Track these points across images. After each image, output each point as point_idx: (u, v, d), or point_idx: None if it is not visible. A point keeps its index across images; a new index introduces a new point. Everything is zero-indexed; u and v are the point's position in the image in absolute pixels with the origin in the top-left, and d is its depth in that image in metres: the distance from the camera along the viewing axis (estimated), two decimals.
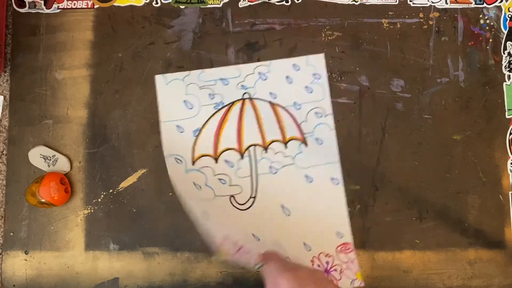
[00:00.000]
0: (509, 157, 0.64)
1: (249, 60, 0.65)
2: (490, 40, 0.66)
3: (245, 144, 0.64)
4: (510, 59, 0.65)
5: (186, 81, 0.64)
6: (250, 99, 0.64)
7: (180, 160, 0.63)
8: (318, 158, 0.64)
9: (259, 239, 0.62)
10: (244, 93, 0.64)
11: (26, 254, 0.62)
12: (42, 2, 0.65)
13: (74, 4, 0.66)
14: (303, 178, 0.64)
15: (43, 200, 0.60)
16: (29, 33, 0.65)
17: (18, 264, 0.62)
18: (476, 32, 0.66)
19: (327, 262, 0.62)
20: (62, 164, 0.63)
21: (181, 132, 0.63)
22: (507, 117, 0.65)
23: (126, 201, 0.63)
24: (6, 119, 0.64)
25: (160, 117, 0.64)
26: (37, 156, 0.63)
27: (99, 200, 0.63)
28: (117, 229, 0.63)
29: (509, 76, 0.65)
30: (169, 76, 0.64)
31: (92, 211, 0.63)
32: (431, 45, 0.66)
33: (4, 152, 0.64)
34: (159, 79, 0.64)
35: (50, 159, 0.63)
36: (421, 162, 0.64)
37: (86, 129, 0.64)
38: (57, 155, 0.63)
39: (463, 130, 0.64)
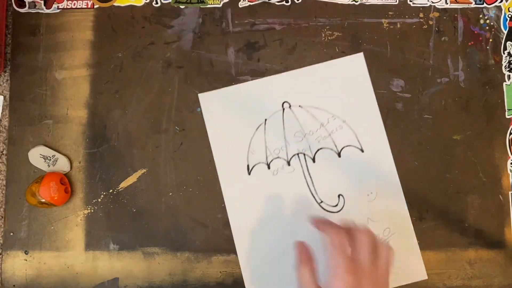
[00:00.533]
0: (509, 157, 0.64)
1: (249, 59, 0.65)
2: (490, 40, 0.66)
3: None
4: (510, 59, 0.65)
5: (229, 97, 0.64)
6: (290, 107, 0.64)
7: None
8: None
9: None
10: (284, 103, 0.64)
11: (26, 254, 0.62)
12: (42, 2, 0.65)
13: (74, 4, 0.66)
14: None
15: (43, 200, 0.60)
16: (29, 33, 0.65)
17: (18, 264, 0.62)
18: (476, 32, 0.66)
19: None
20: (62, 164, 0.63)
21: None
22: (507, 117, 0.65)
23: (126, 201, 0.63)
24: (6, 119, 0.64)
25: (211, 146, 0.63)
26: (37, 156, 0.63)
27: (99, 200, 0.63)
28: (117, 229, 0.63)
29: (509, 76, 0.65)
30: (210, 94, 0.64)
31: (92, 211, 0.63)
32: (431, 45, 0.66)
33: (4, 152, 0.64)
34: (203, 97, 0.64)
35: (50, 159, 0.63)
36: (421, 162, 0.64)
37: (86, 129, 0.64)
38: (57, 155, 0.63)
39: (463, 130, 0.64)
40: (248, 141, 0.63)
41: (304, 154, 0.63)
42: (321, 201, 0.63)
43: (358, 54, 0.65)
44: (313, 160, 0.63)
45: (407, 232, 0.62)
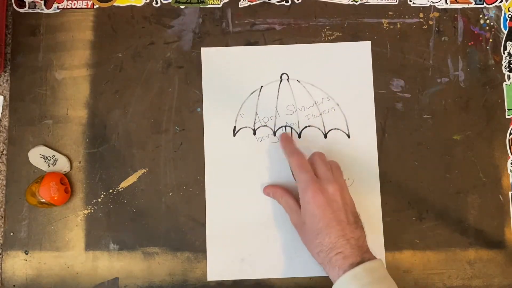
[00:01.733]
0: (509, 157, 0.64)
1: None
2: (490, 40, 0.66)
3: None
4: (510, 59, 0.65)
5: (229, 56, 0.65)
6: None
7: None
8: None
9: None
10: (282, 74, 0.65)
11: (26, 254, 0.62)
12: (42, 2, 0.65)
13: (74, 4, 0.66)
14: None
15: (43, 200, 0.60)
16: (29, 33, 0.65)
17: (18, 264, 0.62)
18: (476, 32, 0.66)
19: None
20: (62, 164, 0.63)
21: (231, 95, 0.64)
22: (507, 117, 0.65)
23: (126, 201, 0.63)
24: (6, 119, 0.64)
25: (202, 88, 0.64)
26: (37, 156, 0.63)
27: (99, 200, 0.63)
28: (117, 229, 0.63)
29: (509, 76, 0.65)
30: (213, 49, 0.65)
31: (92, 211, 0.63)
32: (431, 45, 0.66)
33: (4, 152, 0.64)
34: (206, 52, 0.65)
35: (50, 159, 0.63)
36: (421, 162, 0.64)
37: (86, 129, 0.64)
38: (57, 155, 0.63)
39: (463, 130, 0.64)
40: (240, 103, 0.64)
41: (292, 128, 0.64)
42: None
43: (365, 42, 0.65)
44: (299, 135, 0.64)
45: (375, 228, 0.62)
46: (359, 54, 0.65)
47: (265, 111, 0.64)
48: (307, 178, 0.56)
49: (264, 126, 0.64)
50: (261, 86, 0.64)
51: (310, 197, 0.54)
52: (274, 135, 0.64)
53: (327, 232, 0.53)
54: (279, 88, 0.64)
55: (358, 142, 0.64)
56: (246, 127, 0.64)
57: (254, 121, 0.64)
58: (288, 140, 0.62)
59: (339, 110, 0.64)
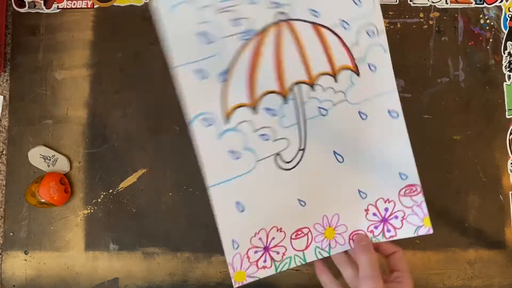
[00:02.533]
0: (509, 157, 0.64)
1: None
2: (490, 40, 0.66)
3: (288, 83, 0.49)
4: (510, 59, 0.65)
5: (199, 3, 0.46)
6: (287, 20, 0.49)
7: (210, 120, 0.48)
8: (373, 88, 0.52)
9: (305, 204, 0.52)
10: (279, 13, 0.49)
11: (26, 254, 0.62)
12: (42, 2, 0.65)
13: (74, 4, 0.66)
14: (357, 116, 0.52)
15: (43, 200, 0.60)
16: (29, 33, 0.65)
17: (18, 264, 0.62)
18: (476, 32, 0.66)
19: (386, 209, 0.54)
20: (62, 164, 0.63)
21: (204, 78, 0.47)
22: (507, 117, 0.65)
23: (126, 201, 0.63)
24: (6, 119, 0.64)
25: (171, 61, 0.47)
26: (37, 156, 0.63)
27: (99, 200, 0.63)
28: (117, 229, 0.63)
29: (509, 76, 0.65)
30: (172, 0, 0.46)
31: (92, 211, 0.63)
32: (431, 45, 0.66)
33: (4, 152, 0.64)
34: (159, 4, 0.46)
35: (50, 159, 0.63)
36: (421, 162, 0.64)
37: (86, 129, 0.64)
38: (57, 155, 0.63)
39: (463, 130, 0.64)
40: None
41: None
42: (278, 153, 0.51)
43: None
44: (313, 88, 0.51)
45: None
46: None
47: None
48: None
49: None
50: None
51: None
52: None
53: None
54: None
55: (370, 72, 0.52)
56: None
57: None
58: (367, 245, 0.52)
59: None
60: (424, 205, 0.54)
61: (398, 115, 0.53)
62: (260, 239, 0.52)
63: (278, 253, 0.53)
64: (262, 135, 0.50)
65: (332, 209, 0.53)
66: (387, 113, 0.53)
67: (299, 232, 0.53)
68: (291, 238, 0.53)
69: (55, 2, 0.66)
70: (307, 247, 0.53)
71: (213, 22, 0.46)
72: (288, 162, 0.51)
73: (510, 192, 0.64)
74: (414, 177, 0.54)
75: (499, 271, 0.63)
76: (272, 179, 0.51)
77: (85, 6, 0.66)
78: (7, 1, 0.66)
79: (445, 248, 0.63)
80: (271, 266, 0.53)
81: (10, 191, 0.63)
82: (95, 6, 0.66)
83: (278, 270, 0.53)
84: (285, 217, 0.52)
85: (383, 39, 0.52)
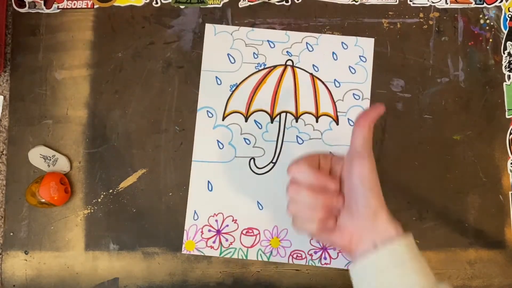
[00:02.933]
0: (509, 157, 0.64)
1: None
2: (490, 40, 0.66)
3: (277, 109, 0.64)
4: (510, 59, 0.65)
5: (234, 35, 0.65)
6: (293, 66, 0.65)
7: (212, 114, 0.64)
8: (347, 138, 0.58)
9: (262, 208, 0.63)
10: (288, 60, 0.65)
11: (26, 254, 0.62)
12: (42, 2, 0.65)
13: (74, 4, 0.66)
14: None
15: (43, 200, 0.60)
16: (29, 33, 0.65)
17: (18, 264, 0.62)
18: (476, 32, 0.66)
19: None
20: (62, 164, 0.63)
21: (219, 84, 0.64)
22: (507, 117, 0.65)
23: (126, 201, 0.63)
24: (6, 119, 0.64)
25: (202, 65, 0.64)
26: (37, 156, 0.63)
27: (99, 200, 0.63)
28: (117, 229, 0.63)
29: (509, 76, 0.65)
30: (219, 27, 0.65)
31: (92, 211, 0.63)
32: (431, 45, 0.66)
33: (4, 152, 0.64)
34: (209, 28, 0.65)
35: (50, 159, 0.63)
36: (421, 162, 0.64)
37: (86, 129, 0.64)
38: (57, 155, 0.63)
39: (463, 130, 0.64)
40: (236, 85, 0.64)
41: (287, 113, 0.64)
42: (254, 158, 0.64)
43: (369, 38, 0.65)
44: (296, 120, 0.64)
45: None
46: (362, 49, 0.65)
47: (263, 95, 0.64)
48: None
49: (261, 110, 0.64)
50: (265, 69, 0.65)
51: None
52: (271, 122, 0.64)
53: None
54: (282, 74, 0.65)
55: (348, 125, 0.64)
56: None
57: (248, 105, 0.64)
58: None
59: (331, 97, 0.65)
60: None
61: None
62: (216, 221, 0.63)
63: (227, 240, 0.63)
64: (245, 139, 0.64)
65: (284, 223, 0.63)
66: None
67: (250, 231, 0.63)
68: (241, 232, 0.63)
69: (55, 2, 0.65)
70: (252, 246, 0.63)
71: (240, 50, 0.65)
72: (259, 168, 0.64)
73: (510, 192, 0.63)
74: None
75: (499, 271, 0.63)
76: (242, 176, 0.64)
77: (85, 6, 0.66)
78: (7, 1, 0.66)
79: (445, 248, 0.63)
80: (217, 248, 0.63)
81: (10, 191, 0.63)
82: (95, 6, 0.66)
83: (222, 255, 0.63)
84: (243, 212, 0.63)
85: (366, 103, 0.64)
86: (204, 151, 0.63)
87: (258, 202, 0.63)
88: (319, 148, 0.63)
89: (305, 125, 0.64)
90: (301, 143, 0.64)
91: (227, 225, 0.63)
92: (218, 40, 0.65)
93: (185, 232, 0.63)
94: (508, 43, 0.66)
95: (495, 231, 0.63)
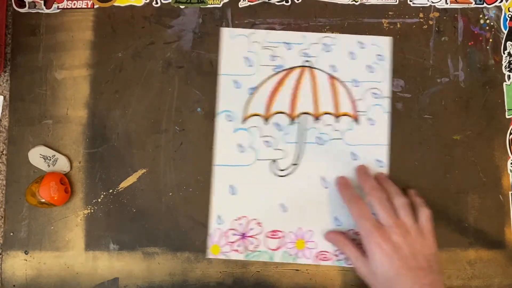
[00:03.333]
0: (509, 157, 0.64)
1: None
2: (490, 40, 0.66)
3: (297, 111, 0.64)
4: (510, 59, 0.65)
5: (251, 38, 0.65)
6: (310, 68, 0.65)
7: (231, 117, 0.64)
8: (368, 138, 0.64)
9: (286, 210, 0.63)
10: (306, 61, 0.65)
11: (26, 254, 0.62)
12: (42, 2, 0.66)
13: (74, 4, 0.66)
14: (348, 154, 0.64)
15: (43, 200, 0.60)
16: (29, 33, 0.65)
17: (18, 264, 0.62)
18: (476, 32, 0.66)
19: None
20: (62, 164, 0.63)
21: (238, 87, 0.64)
22: (507, 117, 0.65)
23: (126, 201, 0.63)
24: (6, 119, 0.64)
25: (219, 70, 0.64)
26: (37, 156, 0.63)
27: (99, 200, 0.63)
28: (117, 229, 0.63)
29: (509, 76, 0.65)
30: (235, 31, 0.65)
31: (92, 211, 0.63)
32: (431, 45, 0.66)
33: (4, 152, 0.64)
34: (225, 32, 0.65)
35: (50, 159, 0.63)
36: (421, 162, 0.64)
37: (86, 129, 0.64)
38: (57, 155, 0.63)
39: (463, 130, 0.64)
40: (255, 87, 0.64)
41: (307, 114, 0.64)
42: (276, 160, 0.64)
43: (386, 37, 0.65)
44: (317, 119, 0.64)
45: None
46: (380, 48, 0.65)
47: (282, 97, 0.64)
48: (368, 227, 0.56)
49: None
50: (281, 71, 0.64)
51: (374, 247, 0.55)
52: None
53: (399, 281, 0.53)
54: (300, 75, 0.64)
55: (368, 124, 0.64)
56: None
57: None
58: (346, 186, 0.61)
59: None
60: None
61: (383, 166, 0.64)
62: (240, 224, 0.63)
63: (252, 243, 0.63)
64: (266, 141, 0.64)
65: (308, 224, 0.63)
66: (375, 161, 0.64)
67: (275, 233, 0.63)
68: (266, 235, 0.63)
69: (55, 2, 0.66)
70: (277, 248, 0.63)
71: (257, 53, 0.65)
72: (281, 170, 0.63)
73: (510, 192, 0.64)
74: None
75: (499, 271, 0.63)
76: (265, 179, 0.63)
77: (85, 6, 0.66)
78: (7, 1, 0.66)
79: (445, 248, 0.63)
80: (243, 252, 0.62)
81: (10, 191, 0.63)
82: (95, 6, 0.66)
83: (247, 258, 0.62)
84: (267, 215, 0.63)
85: (386, 102, 0.64)
86: (225, 155, 0.63)
87: (282, 205, 0.63)
88: (340, 148, 0.63)
89: (325, 125, 0.64)
90: (322, 144, 0.64)
91: (252, 228, 0.63)
92: (234, 43, 0.65)
93: (209, 236, 0.62)
94: (508, 43, 0.66)
95: (495, 231, 0.63)
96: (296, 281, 0.63)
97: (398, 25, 0.66)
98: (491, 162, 0.64)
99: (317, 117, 0.64)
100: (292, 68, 0.64)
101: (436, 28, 0.66)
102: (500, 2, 0.66)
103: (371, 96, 0.64)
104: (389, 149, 0.64)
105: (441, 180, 0.64)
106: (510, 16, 0.66)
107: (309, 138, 0.64)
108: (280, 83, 0.64)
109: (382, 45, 0.65)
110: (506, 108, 0.65)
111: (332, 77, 0.64)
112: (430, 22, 0.66)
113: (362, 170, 0.62)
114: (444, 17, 0.66)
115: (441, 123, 0.64)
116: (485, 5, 0.66)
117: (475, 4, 0.66)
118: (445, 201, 0.64)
